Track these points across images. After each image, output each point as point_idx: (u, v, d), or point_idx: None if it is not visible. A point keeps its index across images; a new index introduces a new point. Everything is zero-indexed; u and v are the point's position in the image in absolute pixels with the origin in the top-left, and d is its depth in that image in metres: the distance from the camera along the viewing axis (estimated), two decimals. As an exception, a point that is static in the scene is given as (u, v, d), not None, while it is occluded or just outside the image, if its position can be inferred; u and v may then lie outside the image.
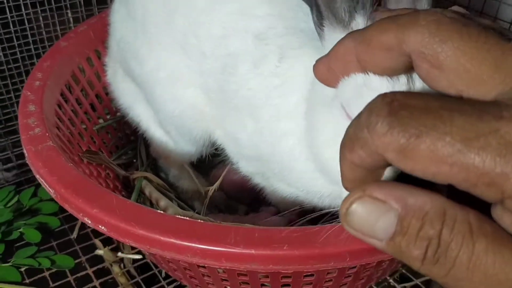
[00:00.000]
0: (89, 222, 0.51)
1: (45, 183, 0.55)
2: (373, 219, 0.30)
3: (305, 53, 0.53)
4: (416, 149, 0.28)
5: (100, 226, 0.50)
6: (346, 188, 0.34)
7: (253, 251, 0.45)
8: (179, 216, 0.49)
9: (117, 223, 0.48)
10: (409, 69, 0.36)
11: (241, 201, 0.79)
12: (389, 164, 0.31)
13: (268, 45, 0.55)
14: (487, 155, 0.26)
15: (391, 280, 0.71)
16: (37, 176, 0.56)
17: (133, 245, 0.49)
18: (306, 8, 0.49)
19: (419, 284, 0.71)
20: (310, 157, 0.52)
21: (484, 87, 0.30)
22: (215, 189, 0.73)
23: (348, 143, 0.32)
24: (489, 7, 0.87)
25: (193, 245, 0.46)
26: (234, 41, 0.57)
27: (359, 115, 0.31)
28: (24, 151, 0.59)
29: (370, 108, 0.30)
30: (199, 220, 0.49)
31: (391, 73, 0.38)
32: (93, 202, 0.51)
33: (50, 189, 0.54)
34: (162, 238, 0.47)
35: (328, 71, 0.42)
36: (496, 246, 0.28)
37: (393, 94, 0.30)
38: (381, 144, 0.29)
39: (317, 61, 0.43)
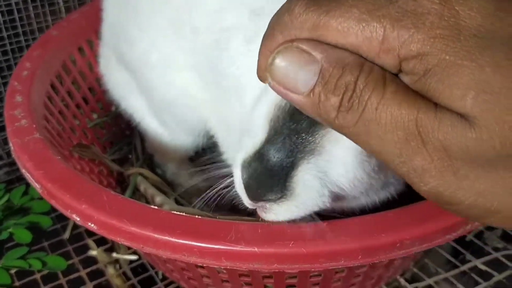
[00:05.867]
0: (78, 219, 0.47)
1: (31, 178, 0.51)
2: (296, 69, 0.32)
3: None
4: (327, 24, 0.30)
5: (89, 224, 0.46)
6: (259, 77, 0.34)
7: (255, 249, 0.41)
8: (175, 212, 0.45)
9: (107, 220, 0.45)
10: None
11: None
12: None
13: (263, 21, 0.51)
14: (387, 22, 0.29)
15: (401, 280, 0.67)
16: (23, 171, 0.53)
17: (125, 243, 0.45)
18: None
19: (432, 284, 0.67)
20: None
21: None
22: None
23: (270, 31, 0.33)
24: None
25: (190, 242, 0.42)
26: (229, 15, 0.55)
27: (282, 5, 0.33)
28: (10, 144, 0.55)
29: None
30: (196, 216, 0.45)
31: None
32: (81, 197, 0.47)
33: (37, 184, 0.50)
34: (156, 235, 0.43)
35: None
36: (403, 93, 0.30)
37: None
38: (298, 25, 0.31)
39: None
